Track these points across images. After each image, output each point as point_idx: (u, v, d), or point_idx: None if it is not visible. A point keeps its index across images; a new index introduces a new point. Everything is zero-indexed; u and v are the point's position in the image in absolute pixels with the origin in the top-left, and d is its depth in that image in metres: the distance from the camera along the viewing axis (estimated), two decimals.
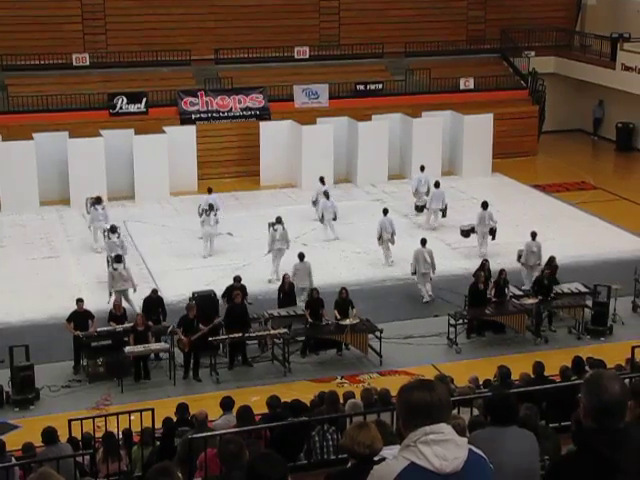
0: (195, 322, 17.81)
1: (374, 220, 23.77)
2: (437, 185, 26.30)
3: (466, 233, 24.28)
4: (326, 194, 25.33)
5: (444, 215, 26.17)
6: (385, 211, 23.49)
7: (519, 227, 25.35)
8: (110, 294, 19.93)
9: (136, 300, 19.47)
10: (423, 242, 21.40)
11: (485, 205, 23.87)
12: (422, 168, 27.63)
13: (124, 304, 19.18)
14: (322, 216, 24.98)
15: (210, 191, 24.98)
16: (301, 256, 20.76)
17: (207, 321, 17.99)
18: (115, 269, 20.31)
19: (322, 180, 26.43)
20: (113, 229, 22.47)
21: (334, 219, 24.95)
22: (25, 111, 29.56)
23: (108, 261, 21.13)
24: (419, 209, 27.19)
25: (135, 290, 20.29)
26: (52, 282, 21.94)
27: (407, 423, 3.70)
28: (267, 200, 28.26)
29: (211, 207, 23.40)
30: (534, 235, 21.65)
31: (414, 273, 21.37)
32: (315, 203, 25.77)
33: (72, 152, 27.76)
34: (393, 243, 22.95)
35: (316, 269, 21.46)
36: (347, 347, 18.80)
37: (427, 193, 26.83)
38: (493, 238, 23.88)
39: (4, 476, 10.52)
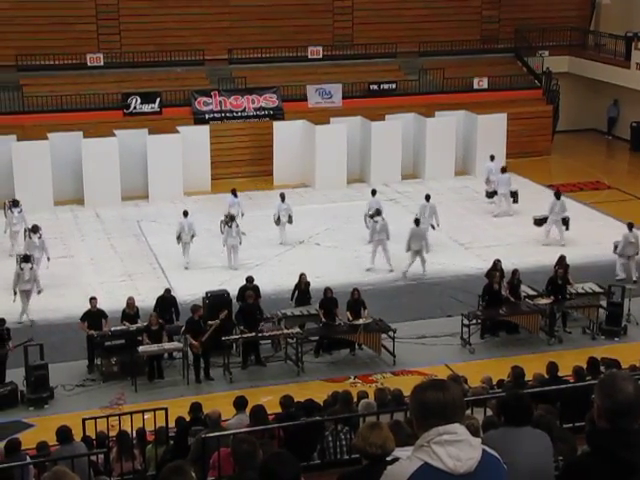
0: (201, 323, 17.78)
1: (390, 220, 23.74)
2: (504, 170, 27.38)
3: (539, 222, 24.82)
4: (282, 196, 24.94)
5: (515, 201, 27.00)
6: (373, 192, 25.00)
7: (534, 227, 25.35)
8: (15, 293, 19.95)
9: (150, 299, 19.42)
10: (417, 222, 22.53)
11: (558, 195, 24.60)
12: (492, 157, 28.37)
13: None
14: (278, 218, 24.59)
15: (235, 193, 24.93)
16: (417, 221, 22.60)
17: (215, 317, 17.99)
18: (22, 269, 20.11)
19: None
20: (35, 229, 22.27)
21: (289, 222, 24.60)
22: (40, 111, 29.66)
23: (17, 260, 20.80)
24: (490, 195, 27.72)
25: (39, 293, 20.27)
26: (66, 281, 22.00)
27: (420, 423, 3.69)
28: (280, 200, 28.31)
29: (232, 218, 23.01)
30: (631, 226, 22.13)
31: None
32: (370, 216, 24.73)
33: (86, 152, 27.84)
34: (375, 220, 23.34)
35: (328, 269, 21.52)
36: (360, 347, 18.77)
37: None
38: (567, 228, 24.34)
39: (19, 475, 10.56)
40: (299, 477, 4.43)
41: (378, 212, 23.35)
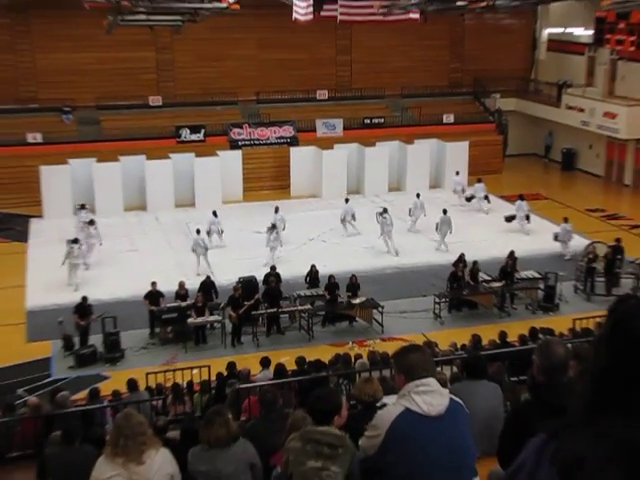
0: (240, 300, 17.85)
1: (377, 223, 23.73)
2: (480, 180, 27.97)
3: (508, 219, 25.40)
4: (276, 209, 24.02)
5: (489, 201, 27.55)
6: (347, 200, 24.55)
7: (491, 227, 25.33)
8: (63, 263, 20.47)
9: (196, 283, 19.30)
10: (385, 210, 23.14)
11: (522, 197, 25.35)
12: (457, 173, 28.69)
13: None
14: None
15: (215, 214, 23.86)
16: (445, 211, 23.19)
17: (250, 299, 18.04)
18: (72, 248, 20.64)
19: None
20: (92, 222, 22.75)
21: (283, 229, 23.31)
22: (113, 140, 29.71)
23: (67, 242, 21.14)
24: (469, 199, 27.94)
25: (87, 269, 21.37)
26: (133, 269, 22.02)
27: (402, 378, 3.72)
28: (296, 207, 28.22)
29: (274, 227, 22.50)
30: (566, 220, 23.22)
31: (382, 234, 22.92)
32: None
33: (148, 170, 27.90)
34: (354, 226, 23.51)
35: (332, 260, 21.48)
36: (355, 320, 18.78)
37: (463, 191, 28.18)
38: (529, 222, 24.94)
39: (99, 414, 10.61)
40: (336, 410, 4.37)
41: (385, 210, 23.41)
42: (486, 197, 27.61)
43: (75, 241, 21.06)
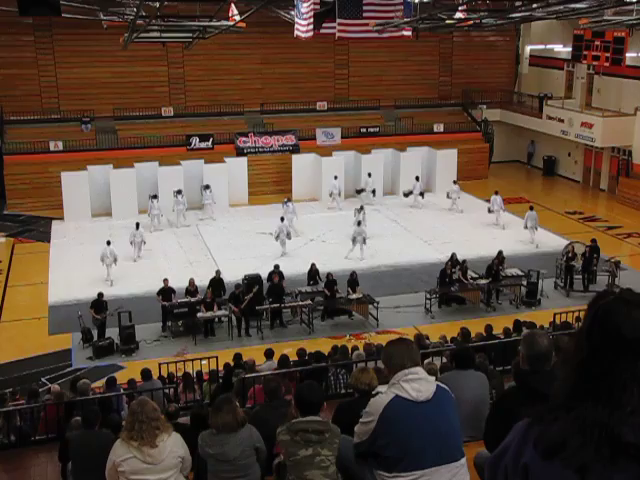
0: (241, 296, 17.78)
1: (374, 224, 23.71)
2: (417, 179, 28.60)
3: (406, 195, 27.34)
4: (284, 217, 23.35)
5: (423, 197, 28.11)
6: (282, 219, 22.94)
7: (477, 228, 25.30)
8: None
9: (205, 280, 19.25)
10: (531, 208, 23.85)
11: (497, 192, 25.90)
12: (417, 178, 28.81)
13: None
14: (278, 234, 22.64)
15: (282, 219, 23.22)
16: (531, 207, 23.56)
17: (249, 293, 17.97)
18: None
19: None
20: (137, 225, 23.03)
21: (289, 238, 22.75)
22: (129, 147, 29.72)
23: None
24: (406, 195, 28.59)
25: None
26: (147, 267, 22.05)
27: (391, 367, 3.72)
28: (297, 210, 28.21)
29: (282, 220, 22.72)
30: (531, 207, 24.19)
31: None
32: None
33: (161, 176, 27.86)
34: (289, 238, 22.66)
35: (332, 259, 21.44)
36: (353, 315, 18.74)
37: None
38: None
39: (115, 401, 10.60)
40: (323, 401, 4.43)
41: (362, 207, 23.95)
42: (422, 194, 28.02)
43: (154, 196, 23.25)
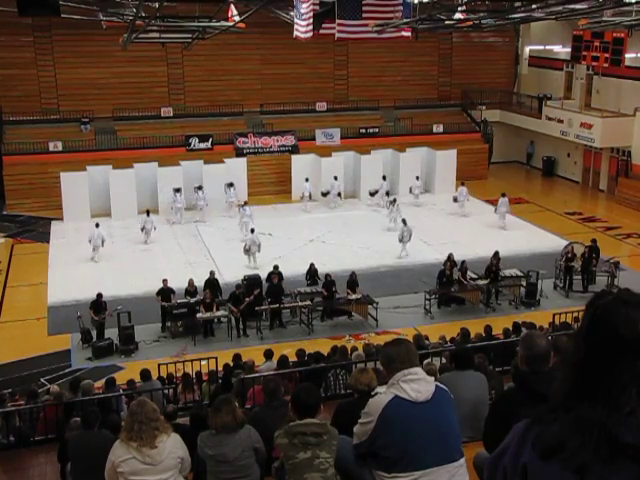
0: (241, 296, 17.78)
1: (372, 224, 23.69)
2: (384, 178, 28.73)
3: (372, 194, 27.56)
4: (254, 229, 22.23)
5: (388, 196, 27.33)
6: (252, 230, 21.88)
7: (475, 227, 25.28)
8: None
9: (204, 281, 19.32)
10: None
11: (503, 194, 25.90)
12: (384, 177, 28.99)
13: None
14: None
15: (252, 231, 22.51)
16: (404, 221, 22.55)
17: (250, 295, 17.94)
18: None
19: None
20: (199, 187, 24.23)
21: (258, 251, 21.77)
22: (128, 148, 29.69)
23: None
24: (372, 194, 28.85)
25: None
26: (146, 267, 22.01)
27: (389, 368, 3.73)
28: (297, 210, 28.26)
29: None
30: (504, 195, 25.13)
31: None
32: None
33: (160, 176, 27.85)
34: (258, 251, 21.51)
35: (331, 259, 21.42)
36: (352, 315, 18.74)
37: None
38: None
39: (115, 401, 10.59)
40: (320, 403, 4.43)
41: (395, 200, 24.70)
42: (387, 193, 27.75)
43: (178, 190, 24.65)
